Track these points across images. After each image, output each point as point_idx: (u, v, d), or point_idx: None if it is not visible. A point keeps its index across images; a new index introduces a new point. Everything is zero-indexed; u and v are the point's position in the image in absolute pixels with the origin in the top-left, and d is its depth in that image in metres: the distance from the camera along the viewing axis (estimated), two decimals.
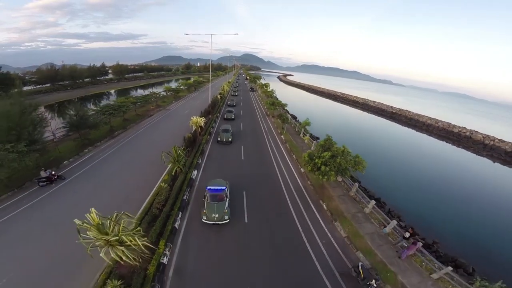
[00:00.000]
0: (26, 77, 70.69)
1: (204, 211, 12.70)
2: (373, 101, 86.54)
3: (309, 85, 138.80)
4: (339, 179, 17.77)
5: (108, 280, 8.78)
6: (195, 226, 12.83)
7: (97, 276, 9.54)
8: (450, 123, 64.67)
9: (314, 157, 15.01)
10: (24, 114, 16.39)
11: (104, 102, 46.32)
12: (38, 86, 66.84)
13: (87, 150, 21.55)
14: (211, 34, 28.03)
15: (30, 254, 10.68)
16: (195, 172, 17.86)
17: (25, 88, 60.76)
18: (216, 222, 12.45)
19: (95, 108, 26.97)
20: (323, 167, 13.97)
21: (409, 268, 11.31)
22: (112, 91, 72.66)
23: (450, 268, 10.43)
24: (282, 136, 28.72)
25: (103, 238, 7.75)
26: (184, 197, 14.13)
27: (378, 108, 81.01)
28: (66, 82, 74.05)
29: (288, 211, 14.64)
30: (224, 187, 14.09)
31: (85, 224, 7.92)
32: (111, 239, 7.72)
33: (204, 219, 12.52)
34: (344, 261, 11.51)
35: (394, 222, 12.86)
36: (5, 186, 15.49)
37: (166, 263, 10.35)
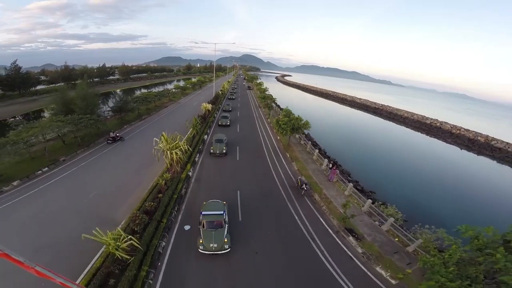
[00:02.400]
0: (41, 77, 77.43)
1: (201, 240, 11.25)
2: (359, 98, 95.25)
3: (304, 85, 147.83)
4: (302, 142, 26.39)
5: (164, 174, 17.07)
6: (206, 162, 21.34)
7: (158, 175, 18.01)
8: (424, 116, 73.03)
9: (279, 121, 23.89)
10: (94, 97, 25.08)
11: (111, 100, 53.49)
12: (51, 85, 73.43)
13: (125, 126, 30.32)
14: (215, 43, 37.17)
15: (109, 176, 18.95)
16: (206, 136, 26.73)
17: (39, 87, 67.05)
18: (215, 252, 11.10)
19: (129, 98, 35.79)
20: (283, 126, 22.81)
21: (331, 187, 19.23)
22: (118, 91, 78.53)
23: (351, 184, 18.57)
24: (268, 120, 37.56)
25: (168, 145, 16.21)
26: (200, 147, 22.92)
27: (363, 104, 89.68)
28: (78, 81, 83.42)
29: (265, 156, 23.54)
30: (222, 211, 12.49)
31: (159, 141, 16.46)
32: (173, 145, 16.18)
33: (200, 249, 11.12)
34: (293, 181, 19.75)
35: (326, 161, 21.33)
36: (78, 145, 24.02)
37: (190, 175, 18.79)
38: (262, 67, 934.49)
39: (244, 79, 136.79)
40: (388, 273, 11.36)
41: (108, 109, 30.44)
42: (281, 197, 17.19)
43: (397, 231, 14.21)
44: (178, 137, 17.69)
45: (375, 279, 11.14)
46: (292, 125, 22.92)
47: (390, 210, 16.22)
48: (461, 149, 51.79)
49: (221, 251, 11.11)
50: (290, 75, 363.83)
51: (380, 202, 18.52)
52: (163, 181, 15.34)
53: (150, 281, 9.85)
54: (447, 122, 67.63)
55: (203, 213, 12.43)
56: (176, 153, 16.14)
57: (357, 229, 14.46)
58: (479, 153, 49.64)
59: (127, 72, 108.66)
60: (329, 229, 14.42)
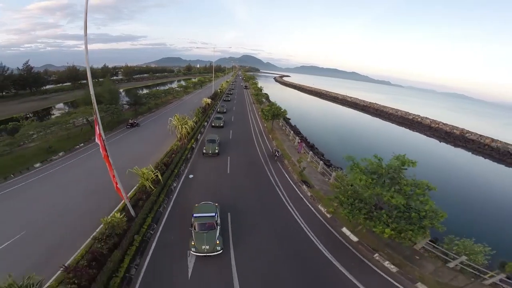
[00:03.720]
0: (49, 77, 79.69)
1: (193, 242, 11.35)
2: (350, 97, 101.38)
3: (300, 85, 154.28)
4: (283, 127, 32.68)
5: (176, 142, 23.19)
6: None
7: (172, 145, 24.15)
8: (408, 112, 78.79)
9: (264, 110, 30.38)
10: (117, 92, 31.39)
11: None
12: (59, 85, 77.19)
13: (139, 117, 36.64)
14: (214, 48, 43.51)
15: (134, 148, 25.18)
16: (205, 123, 33.31)
17: (48, 86, 70.60)
18: (207, 254, 11.25)
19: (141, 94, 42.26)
20: (266, 112, 29.33)
21: (297, 156, 25.24)
22: (121, 90, 79.57)
23: (311, 153, 24.72)
24: (259, 112, 43.85)
25: (179, 122, 22.43)
26: (201, 129, 29.37)
27: (353, 102, 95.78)
28: (84, 81, 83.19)
29: (252, 137, 29.92)
30: (214, 213, 12.57)
31: (172, 121, 22.70)
32: (183, 122, 22.40)
33: (193, 251, 11.23)
34: (270, 152, 25.84)
35: (297, 139, 27.50)
36: (104, 128, 30.18)
37: (194, 147, 25.01)
38: (261, 67, 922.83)
39: (243, 79, 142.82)
40: (326, 209, 16.15)
41: (124, 102, 36.67)
42: (260, 162, 23.38)
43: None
44: (187, 117, 23.99)
45: (316, 212, 16.30)
46: (273, 112, 29.35)
47: (339, 172, 22.24)
48: (440, 141, 56.72)
49: (213, 253, 11.20)
50: (289, 76, 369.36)
51: (333, 167, 24.71)
52: (175, 147, 21.51)
53: (165, 205, 15.63)
54: (427, 117, 73.22)
55: (194, 215, 12.43)
56: (185, 128, 22.30)
57: (310, 181, 20.30)
58: (455, 145, 54.70)
59: (130, 73, 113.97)
60: (291, 181, 20.23)
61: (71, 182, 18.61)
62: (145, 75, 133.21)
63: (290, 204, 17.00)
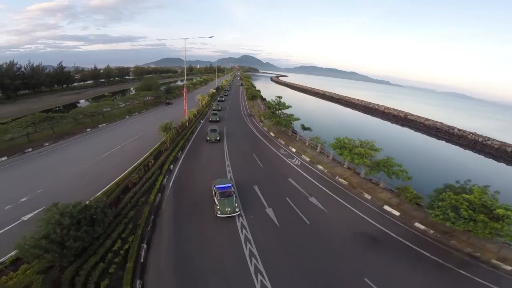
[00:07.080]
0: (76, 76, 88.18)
1: (218, 207, 14.12)
2: (329, 92, 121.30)
3: (292, 83, 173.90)
4: (260, 105, 53.89)
5: (200, 107, 44.66)
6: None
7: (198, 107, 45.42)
8: (370, 102, 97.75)
9: (247, 93, 51.59)
10: (158, 84, 52.80)
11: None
12: (81, 83, 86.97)
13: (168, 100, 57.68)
14: (214, 48, 64.06)
15: (174, 112, 46.41)
16: (213, 103, 54.63)
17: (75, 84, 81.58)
18: (230, 215, 14.04)
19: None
20: (248, 94, 50.58)
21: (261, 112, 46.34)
22: (132, 88, 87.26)
23: (271, 111, 45.62)
24: (245, 97, 65.28)
25: (202, 97, 43.97)
26: (209, 106, 50.59)
27: (330, 96, 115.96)
28: (103, 80, 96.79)
29: (240, 106, 52.48)
30: (230, 184, 15.75)
31: (198, 96, 44.35)
32: (204, 97, 43.90)
33: (218, 214, 14.00)
34: (248, 113, 47.39)
35: (264, 107, 48.62)
36: (151, 105, 51.36)
37: (208, 110, 46.64)
38: (261, 67, 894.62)
39: (240, 79, 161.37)
40: (266, 129, 37.11)
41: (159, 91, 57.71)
42: (242, 117, 44.99)
43: None
44: (206, 94, 45.26)
45: (262, 130, 36.88)
46: (252, 94, 50.57)
47: None
48: (392, 123, 74.43)
49: (234, 213, 14.21)
50: (286, 75, 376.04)
51: None
52: (200, 108, 42.75)
53: (198, 125, 36.89)
54: (383, 105, 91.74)
55: (216, 186, 15.56)
56: (205, 100, 43.47)
57: (264, 122, 40.92)
58: (402, 125, 72.60)
59: (141, 73, 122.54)
60: (255, 122, 41.90)
61: (149, 122, 39.30)
62: (153, 75, 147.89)
63: (253, 128, 38.53)
